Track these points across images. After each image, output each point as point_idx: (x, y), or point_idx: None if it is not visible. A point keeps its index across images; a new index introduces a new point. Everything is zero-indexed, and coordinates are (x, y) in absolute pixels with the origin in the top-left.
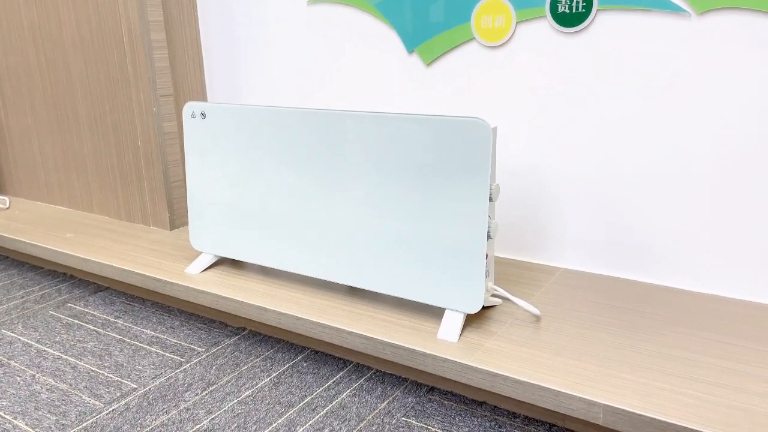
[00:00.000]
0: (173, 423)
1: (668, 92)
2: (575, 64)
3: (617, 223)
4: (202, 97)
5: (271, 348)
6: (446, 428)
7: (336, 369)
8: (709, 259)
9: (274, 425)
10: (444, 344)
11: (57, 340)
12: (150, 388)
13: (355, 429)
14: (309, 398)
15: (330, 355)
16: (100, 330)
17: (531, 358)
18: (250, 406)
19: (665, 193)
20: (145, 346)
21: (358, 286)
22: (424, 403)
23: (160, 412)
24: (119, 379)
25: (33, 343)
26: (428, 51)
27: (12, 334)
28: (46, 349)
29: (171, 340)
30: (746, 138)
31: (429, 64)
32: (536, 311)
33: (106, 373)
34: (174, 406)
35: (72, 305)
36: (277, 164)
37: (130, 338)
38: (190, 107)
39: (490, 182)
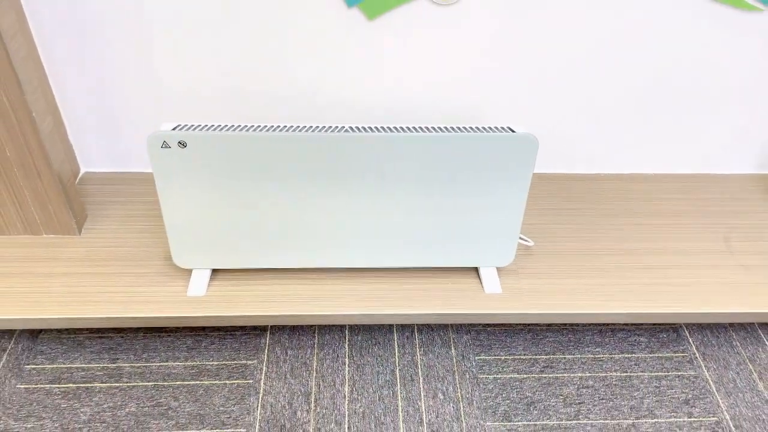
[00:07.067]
0: None
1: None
2: (528, 24)
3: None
4: (37, 66)
5: (305, 331)
6: (509, 352)
7: (384, 329)
8: (597, 146)
9: (413, 415)
10: (497, 297)
11: (83, 419)
12: (261, 426)
13: (459, 384)
14: (398, 371)
15: None
16: (116, 385)
17: (571, 289)
18: (366, 405)
19: (568, 100)
20: (194, 383)
21: (399, 266)
22: (476, 337)
23: None
24: (219, 431)
25: None
26: (371, 7)
27: None
28: None
29: (210, 364)
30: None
31: (373, 18)
32: (530, 242)
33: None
34: None
35: (30, 365)
36: (290, 187)
37: (164, 380)
38: (158, 137)
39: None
